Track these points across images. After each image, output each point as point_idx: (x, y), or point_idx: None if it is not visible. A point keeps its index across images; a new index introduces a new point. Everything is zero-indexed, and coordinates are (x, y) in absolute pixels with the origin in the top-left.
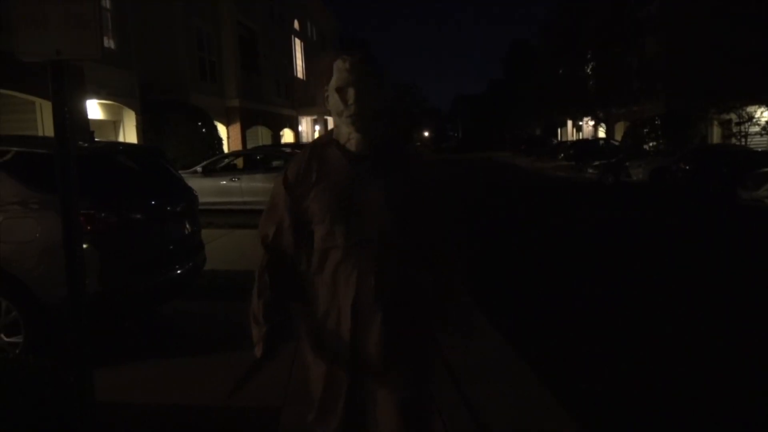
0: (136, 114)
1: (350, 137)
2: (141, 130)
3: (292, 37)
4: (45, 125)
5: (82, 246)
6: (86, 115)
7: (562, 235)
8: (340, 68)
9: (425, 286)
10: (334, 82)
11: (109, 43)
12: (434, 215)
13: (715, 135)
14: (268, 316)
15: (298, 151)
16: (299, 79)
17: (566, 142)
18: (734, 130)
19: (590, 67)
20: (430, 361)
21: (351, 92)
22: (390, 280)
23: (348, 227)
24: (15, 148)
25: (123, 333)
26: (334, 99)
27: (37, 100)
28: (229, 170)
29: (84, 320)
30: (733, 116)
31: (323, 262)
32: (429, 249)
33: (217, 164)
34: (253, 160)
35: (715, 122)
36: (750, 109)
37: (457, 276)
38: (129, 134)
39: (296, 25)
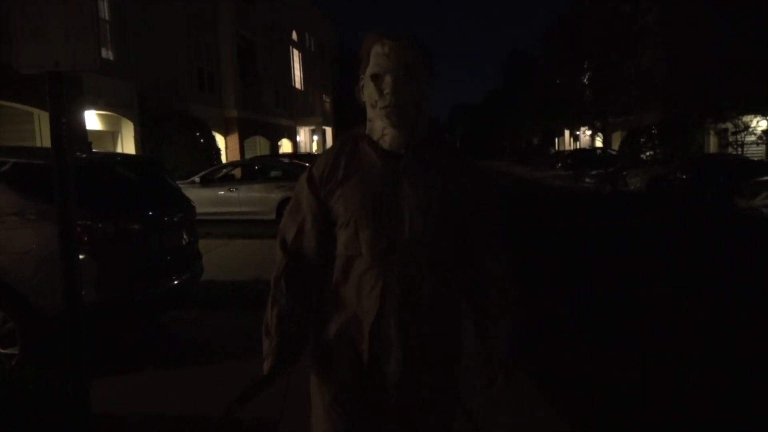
0: (135, 124)
1: (384, 132)
2: (139, 141)
3: (290, 47)
4: (43, 136)
5: (79, 256)
6: (84, 125)
7: (560, 243)
8: (377, 53)
9: (457, 308)
10: (370, 69)
11: (108, 53)
12: (484, 229)
13: (712, 144)
14: (282, 328)
15: (297, 161)
16: (297, 89)
17: (564, 151)
18: (730, 139)
19: (587, 76)
20: (455, 394)
21: (387, 80)
22: (419, 297)
23: (374, 233)
24: (13, 159)
25: (120, 343)
26: (369, 88)
27: (36, 111)
28: (227, 180)
29: (81, 330)
30: (730, 125)
31: (347, 272)
32: (471, 268)
33: (215, 174)
34: (251, 170)
35: (712, 131)
36: (746, 118)
37: (510, 310)
38: (127, 145)
39: (294, 35)
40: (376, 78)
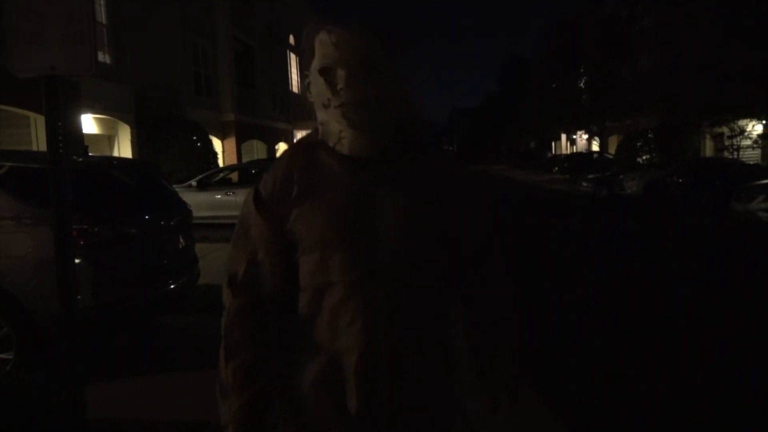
0: (131, 128)
1: (342, 135)
2: (136, 145)
3: (288, 51)
4: (39, 140)
5: (74, 261)
6: (81, 129)
7: (557, 247)
8: (324, 42)
9: (449, 324)
10: (316, 62)
11: (105, 57)
12: (475, 238)
13: (708, 148)
14: (242, 387)
15: None
16: (294, 93)
17: (561, 155)
18: (726, 143)
19: (584, 81)
20: (455, 410)
21: (341, 73)
22: (409, 325)
23: (347, 257)
24: (9, 163)
25: (116, 348)
26: (318, 84)
27: (32, 115)
28: (224, 184)
29: (76, 335)
30: (726, 129)
31: (315, 307)
32: (467, 287)
33: (212, 178)
34: (248, 173)
35: (708, 135)
36: (742, 122)
37: (509, 322)
38: (124, 148)
39: (291, 39)
40: (325, 72)
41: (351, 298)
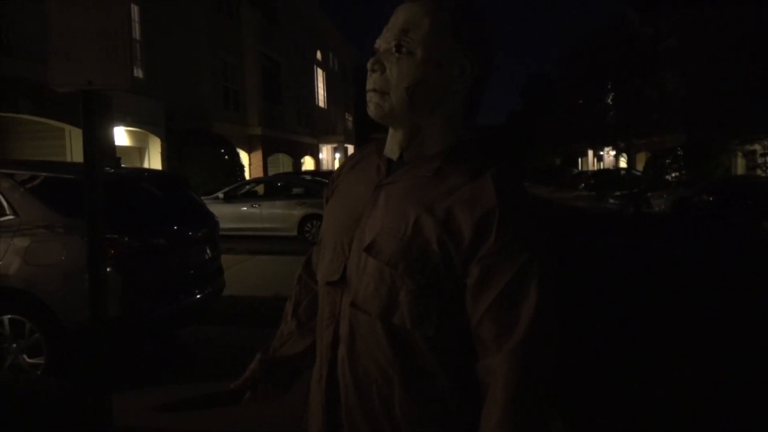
0: (161, 141)
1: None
2: (165, 157)
3: (314, 67)
4: (73, 151)
5: (105, 270)
6: (113, 141)
7: (582, 265)
8: None
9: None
10: None
11: (138, 72)
12: (491, 319)
13: (740, 166)
14: (272, 346)
15: (319, 179)
16: (320, 107)
17: (587, 171)
18: (759, 161)
19: (610, 98)
20: None
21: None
22: (369, 362)
23: (330, 258)
24: (44, 174)
25: (142, 357)
26: None
27: (66, 127)
28: (250, 197)
29: (104, 344)
30: (758, 147)
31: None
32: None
33: (238, 191)
34: (274, 186)
35: (740, 153)
36: None
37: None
38: (154, 161)
39: (318, 55)
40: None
41: (325, 305)
